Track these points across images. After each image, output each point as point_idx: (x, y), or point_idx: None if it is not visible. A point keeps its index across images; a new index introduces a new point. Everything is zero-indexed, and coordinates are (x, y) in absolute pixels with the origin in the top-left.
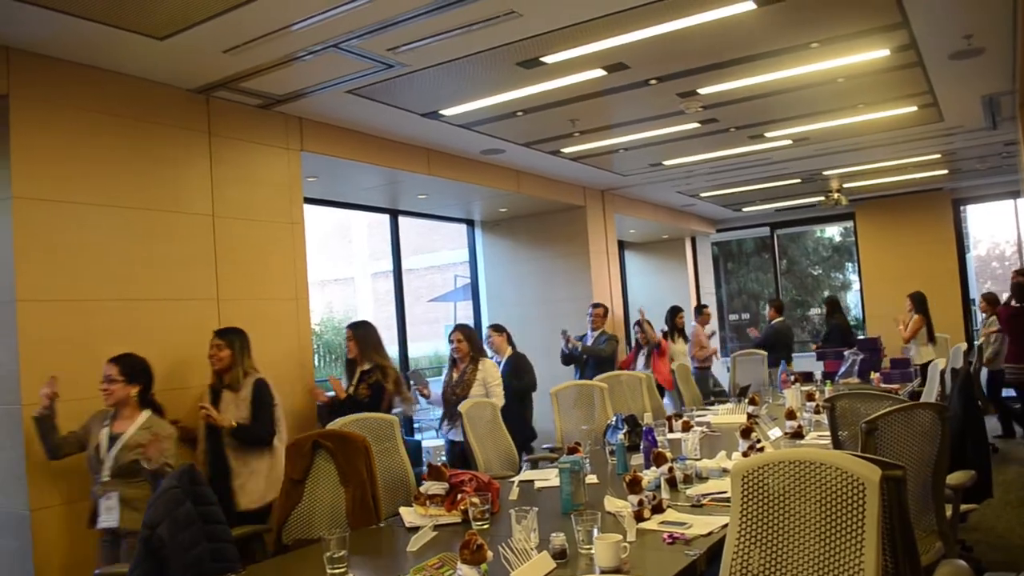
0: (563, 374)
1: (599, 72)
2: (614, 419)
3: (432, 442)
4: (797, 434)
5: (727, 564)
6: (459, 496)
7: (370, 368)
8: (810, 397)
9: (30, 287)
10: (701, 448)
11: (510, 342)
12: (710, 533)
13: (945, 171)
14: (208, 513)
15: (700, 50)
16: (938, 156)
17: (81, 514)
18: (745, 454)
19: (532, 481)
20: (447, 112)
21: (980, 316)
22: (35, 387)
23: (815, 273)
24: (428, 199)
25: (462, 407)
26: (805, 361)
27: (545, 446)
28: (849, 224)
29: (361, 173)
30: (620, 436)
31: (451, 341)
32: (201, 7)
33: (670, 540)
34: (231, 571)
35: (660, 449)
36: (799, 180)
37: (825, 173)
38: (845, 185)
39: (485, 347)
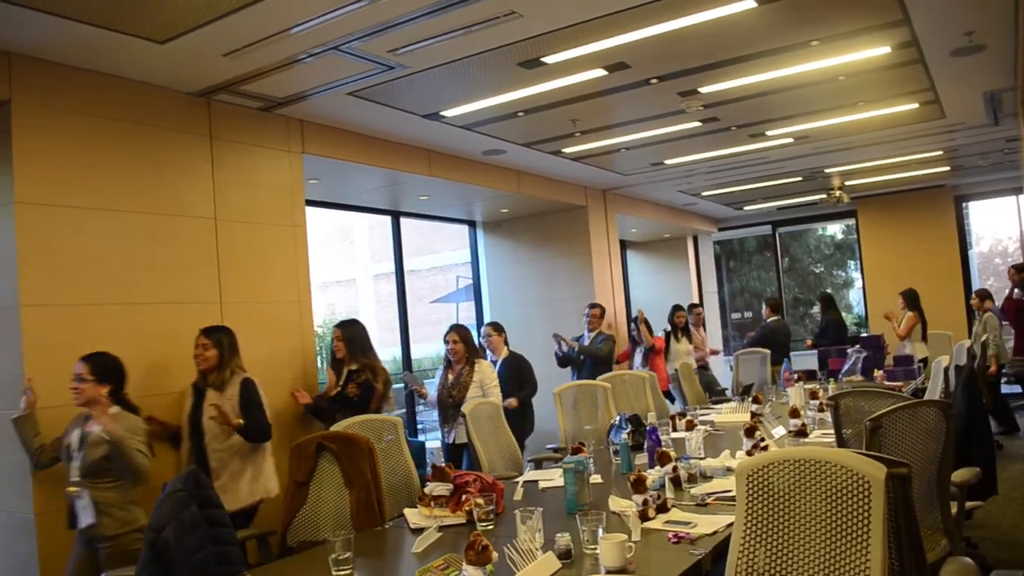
0: (565, 374)
1: (600, 72)
2: (618, 419)
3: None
4: (801, 432)
5: (732, 563)
6: (464, 497)
7: (358, 368)
8: (813, 395)
9: (33, 292)
10: (705, 447)
11: (505, 343)
12: (715, 532)
13: (947, 168)
14: (213, 516)
15: (701, 49)
16: (940, 153)
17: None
18: (749, 453)
19: (536, 481)
20: (448, 113)
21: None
22: (39, 392)
23: (817, 271)
24: (429, 200)
25: (466, 407)
26: (803, 359)
27: (549, 446)
28: (851, 222)
29: (362, 175)
30: (624, 436)
31: (447, 342)
32: (201, 11)
33: (675, 539)
34: (236, 574)
35: (664, 448)
36: (800, 178)
37: (827, 171)
38: (847, 183)
39: (482, 342)
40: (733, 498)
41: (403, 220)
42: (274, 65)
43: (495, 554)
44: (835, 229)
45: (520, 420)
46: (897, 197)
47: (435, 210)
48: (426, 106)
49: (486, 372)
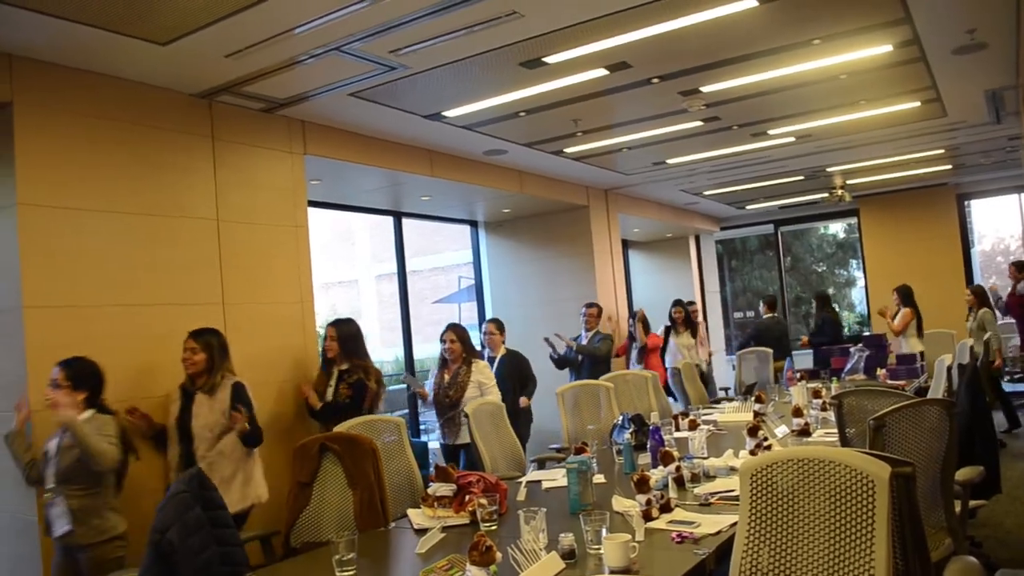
0: (564, 374)
1: (601, 72)
2: (620, 418)
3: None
4: (804, 431)
5: (736, 563)
6: (467, 497)
7: (349, 368)
8: (816, 394)
9: (36, 293)
10: (708, 446)
11: (502, 341)
12: (719, 532)
13: (949, 166)
14: (217, 517)
15: (702, 48)
16: (942, 151)
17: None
18: (752, 452)
19: (539, 481)
20: (450, 113)
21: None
22: (41, 392)
23: (819, 270)
24: (431, 201)
25: (468, 408)
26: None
27: (552, 446)
28: (853, 220)
29: (364, 175)
30: (627, 435)
31: (443, 341)
32: (203, 12)
33: (679, 539)
34: (240, 575)
35: (667, 448)
36: (802, 177)
37: (828, 170)
38: (849, 181)
39: (482, 339)
40: (737, 498)
41: (405, 220)
42: (276, 66)
43: (499, 554)
44: (837, 228)
45: (523, 424)
46: (899, 196)
47: (437, 210)
48: (428, 106)
49: (484, 372)
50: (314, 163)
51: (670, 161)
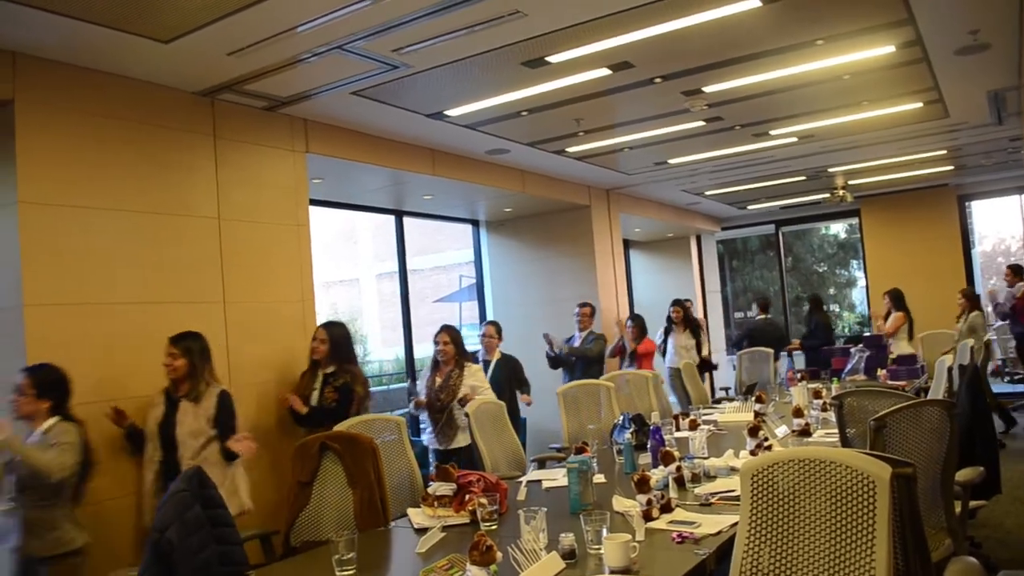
0: (560, 374)
1: (604, 71)
2: (621, 418)
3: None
4: (804, 432)
5: (737, 563)
6: (467, 497)
7: (335, 371)
8: (817, 395)
9: (37, 292)
10: (708, 447)
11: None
12: (719, 532)
13: (951, 167)
14: (216, 516)
15: (705, 48)
16: (943, 152)
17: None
18: (753, 452)
19: (540, 481)
20: (452, 112)
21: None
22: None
23: (820, 270)
24: (433, 200)
25: (469, 408)
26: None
27: (552, 446)
28: (854, 221)
29: (366, 174)
30: (627, 435)
31: (436, 343)
32: (205, 10)
33: (679, 539)
34: (240, 574)
35: (667, 448)
36: (804, 177)
37: (830, 170)
38: (850, 182)
39: (479, 339)
40: (737, 498)
41: (406, 219)
42: (278, 64)
43: (499, 554)
44: (838, 228)
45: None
46: (900, 196)
47: (438, 209)
48: (430, 105)
49: (477, 376)
50: (316, 162)
51: (672, 161)
